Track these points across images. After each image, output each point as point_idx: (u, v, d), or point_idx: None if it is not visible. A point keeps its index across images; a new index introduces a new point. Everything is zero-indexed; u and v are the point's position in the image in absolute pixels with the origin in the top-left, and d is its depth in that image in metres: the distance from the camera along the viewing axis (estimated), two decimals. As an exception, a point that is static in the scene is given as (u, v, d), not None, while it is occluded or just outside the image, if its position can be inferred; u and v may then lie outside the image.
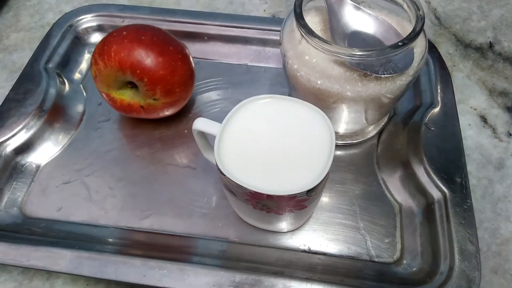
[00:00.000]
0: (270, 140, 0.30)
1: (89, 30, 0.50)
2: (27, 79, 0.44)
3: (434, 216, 0.35)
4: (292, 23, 0.35)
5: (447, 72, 0.44)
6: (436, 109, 0.41)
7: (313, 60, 0.34)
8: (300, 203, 0.30)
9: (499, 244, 0.37)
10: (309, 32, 0.32)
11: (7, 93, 0.43)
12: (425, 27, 0.54)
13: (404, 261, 0.35)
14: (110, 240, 0.36)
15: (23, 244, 0.34)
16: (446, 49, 0.51)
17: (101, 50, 0.37)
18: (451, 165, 0.37)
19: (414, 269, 0.34)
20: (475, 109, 0.45)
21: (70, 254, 0.33)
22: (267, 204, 0.30)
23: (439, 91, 0.43)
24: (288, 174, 0.29)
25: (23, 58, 0.50)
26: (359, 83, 0.33)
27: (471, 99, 0.46)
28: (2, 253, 0.33)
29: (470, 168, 0.41)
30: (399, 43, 0.31)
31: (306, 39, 0.33)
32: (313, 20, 0.37)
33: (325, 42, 0.31)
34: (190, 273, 0.32)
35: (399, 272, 0.34)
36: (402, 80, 0.34)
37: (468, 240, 0.33)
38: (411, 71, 0.34)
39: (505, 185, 0.40)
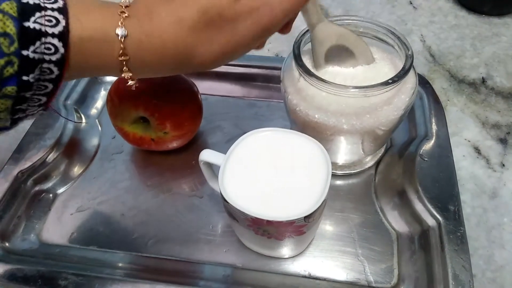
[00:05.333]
0: (271, 170, 0.33)
1: (105, 69, 0.54)
2: (47, 115, 0.47)
3: (429, 243, 0.37)
4: (291, 62, 0.38)
5: (441, 106, 0.47)
6: (430, 141, 0.43)
7: (310, 96, 0.36)
8: (299, 229, 0.32)
9: (494, 271, 0.38)
10: (307, 71, 0.35)
11: (28, 127, 0.46)
12: (420, 64, 0.57)
13: (401, 287, 0.36)
14: (120, 264, 0.38)
15: (38, 267, 0.36)
16: (440, 85, 0.54)
17: (116, 88, 0.41)
18: (444, 194, 0.39)
19: (410, 294, 0.35)
20: (469, 141, 0.48)
21: (82, 277, 0.35)
22: (267, 230, 0.32)
23: (433, 124, 0.45)
24: (287, 202, 0.31)
25: (43, 95, 0.53)
26: (354, 117, 0.36)
27: (465, 131, 0.48)
28: (18, 276, 0.35)
29: (465, 197, 0.42)
30: (389, 81, 0.34)
31: (304, 77, 0.36)
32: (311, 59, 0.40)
33: (321, 80, 0.34)
34: (195, 296, 0.34)
35: (396, 297, 0.36)
36: (394, 114, 0.36)
37: (462, 266, 0.34)
38: (402, 105, 0.37)
39: (498, 213, 0.41)
